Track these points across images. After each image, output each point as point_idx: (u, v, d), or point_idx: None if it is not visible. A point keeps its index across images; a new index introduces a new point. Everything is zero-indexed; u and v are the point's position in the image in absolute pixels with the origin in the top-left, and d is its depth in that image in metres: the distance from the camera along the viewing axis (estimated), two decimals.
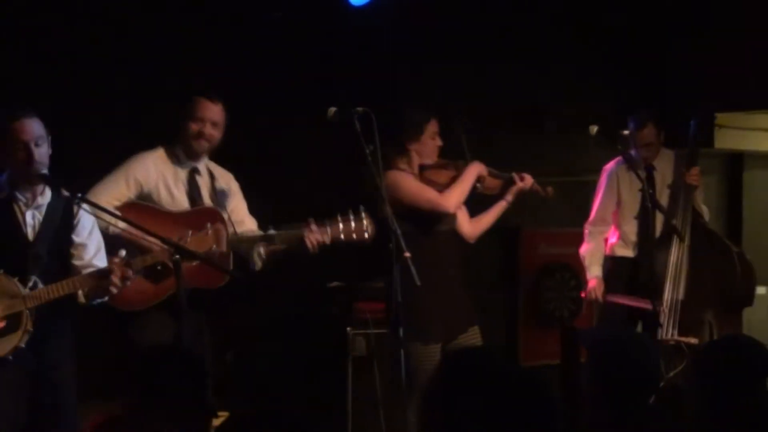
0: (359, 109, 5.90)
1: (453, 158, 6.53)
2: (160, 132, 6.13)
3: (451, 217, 6.43)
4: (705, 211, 7.47)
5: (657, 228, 7.38)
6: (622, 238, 7.50)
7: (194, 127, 5.99)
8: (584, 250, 7.59)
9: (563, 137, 7.78)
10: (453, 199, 6.32)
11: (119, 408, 3.99)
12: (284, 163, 7.62)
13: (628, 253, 7.47)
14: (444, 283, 6.30)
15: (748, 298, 7.39)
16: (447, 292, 6.30)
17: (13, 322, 5.17)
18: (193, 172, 6.08)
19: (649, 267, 7.15)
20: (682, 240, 7.06)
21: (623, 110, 7.66)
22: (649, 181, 7.21)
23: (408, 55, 8.06)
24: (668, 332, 6.88)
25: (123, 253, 5.27)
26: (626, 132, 7.20)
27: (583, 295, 7.58)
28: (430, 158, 6.44)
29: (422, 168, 6.43)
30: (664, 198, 7.36)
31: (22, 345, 5.20)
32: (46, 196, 5.31)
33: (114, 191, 5.88)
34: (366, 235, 6.03)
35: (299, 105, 7.45)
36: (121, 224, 5.52)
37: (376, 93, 7.10)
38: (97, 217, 5.48)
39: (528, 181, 6.59)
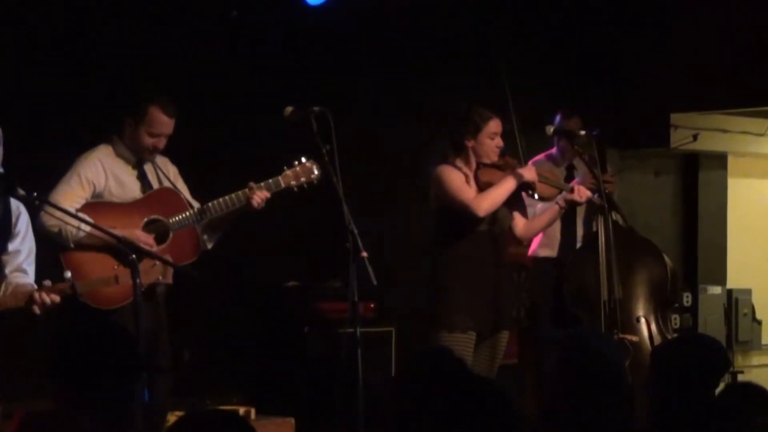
0: (316, 108, 5.91)
1: (518, 161, 6.58)
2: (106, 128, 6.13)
3: (495, 218, 6.46)
4: (619, 217, 7.48)
5: (578, 226, 7.42)
6: (546, 235, 7.50)
7: (150, 141, 6.03)
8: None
9: (520, 137, 7.77)
10: (484, 204, 6.35)
11: (47, 405, 3.95)
12: (241, 162, 7.59)
13: (551, 253, 7.49)
14: (480, 282, 6.40)
15: (676, 295, 7.64)
16: (481, 290, 6.40)
17: None
18: (140, 162, 6.11)
19: (578, 273, 7.19)
20: (614, 238, 7.09)
21: (579, 111, 7.67)
22: (569, 180, 7.22)
23: (365, 54, 8.04)
24: (611, 331, 6.92)
25: (68, 275, 5.28)
26: (583, 132, 7.21)
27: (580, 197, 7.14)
28: (489, 157, 6.46)
29: (479, 166, 6.46)
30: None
31: None
32: None
33: (72, 195, 5.89)
34: (313, 176, 6.17)
35: (256, 104, 7.43)
36: (86, 227, 5.57)
37: (332, 92, 7.09)
38: (62, 221, 5.53)
39: (583, 195, 6.72)
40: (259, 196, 6.06)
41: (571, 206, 6.90)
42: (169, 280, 5.82)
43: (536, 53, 8.70)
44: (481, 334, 6.42)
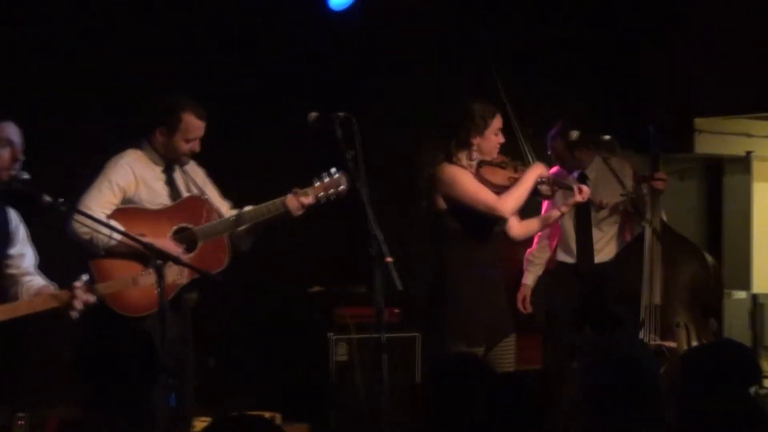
0: (340, 114, 5.91)
1: (512, 158, 6.50)
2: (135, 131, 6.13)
3: (503, 218, 6.39)
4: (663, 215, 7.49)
5: (595, 235, 7.41)
6: (561, 243, 7.52)
7: (186, 146, 6.04)
8: (528, 253, 7.62)
9: (543, 141, 7.77)
10: (510, 203, 6.26)
11: (78, 412, 3.96)
12: (265, 168, 7.61)
13: (568, 259, 7.50)
14: (491, 286, 6.31)
15: (719, 303, 7.54)
16: (493, 295, 6.31)
17: None
18: (168, 168, 6.12)
19: (622, 275, 7.17)
20: (659, 240, 7.08)
21: (601, 115, 7.67)
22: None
23: (388, 59, 8.05)
24: (649, 336, 6.90)
25: (85, 277, 5.25)
26: (608, 137, 7.20)
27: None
28: (490, 154, 6.37)
29: (480, 164, 6.36)
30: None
31: None
32: None
33: (103, 201, 5.89)
34: (342, 188, 6.16)
35: (280, 109, 7.44)
36: (117, 235, 5.58)
37: (356, 97, 7.09)
38: (93, 229, 5.54)
39: (585, 193, 6.60)
40: (300, 200, 6.06)
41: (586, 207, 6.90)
42: (185, 280, 5.83)
43: (558, 58, 8.69)
44: (491, 343, 6.32)
